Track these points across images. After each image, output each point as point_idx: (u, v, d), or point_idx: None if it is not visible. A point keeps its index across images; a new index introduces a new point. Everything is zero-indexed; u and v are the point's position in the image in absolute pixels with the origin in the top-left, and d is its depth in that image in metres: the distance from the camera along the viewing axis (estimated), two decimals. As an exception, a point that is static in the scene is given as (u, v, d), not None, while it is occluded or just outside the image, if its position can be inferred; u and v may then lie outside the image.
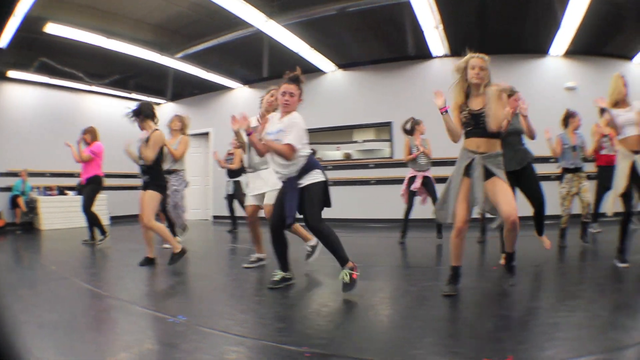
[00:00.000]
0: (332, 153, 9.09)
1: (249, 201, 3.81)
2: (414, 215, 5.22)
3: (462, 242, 2.77)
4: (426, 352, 1.93)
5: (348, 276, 2.80)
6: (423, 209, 5.11)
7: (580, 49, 7.27)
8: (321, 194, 2.94)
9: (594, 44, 7.41)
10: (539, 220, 3.92)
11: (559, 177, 4.71)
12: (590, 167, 5.15)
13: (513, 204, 2.67)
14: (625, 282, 3.11)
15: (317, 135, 8.24)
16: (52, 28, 5.99)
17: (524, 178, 3.70)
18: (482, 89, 2.75)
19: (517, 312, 2.55)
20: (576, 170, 4.50)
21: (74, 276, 3.72)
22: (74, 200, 7.39)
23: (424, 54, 7.45)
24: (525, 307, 2.66)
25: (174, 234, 4.92)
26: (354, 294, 2.83)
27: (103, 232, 5.55)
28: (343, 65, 8.18)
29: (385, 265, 4.21)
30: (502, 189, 2.66)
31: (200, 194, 9.63)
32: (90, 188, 5.47)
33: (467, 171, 2.75)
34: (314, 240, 3.68)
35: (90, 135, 5.59)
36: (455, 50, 7.18)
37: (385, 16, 6.96)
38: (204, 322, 2.41)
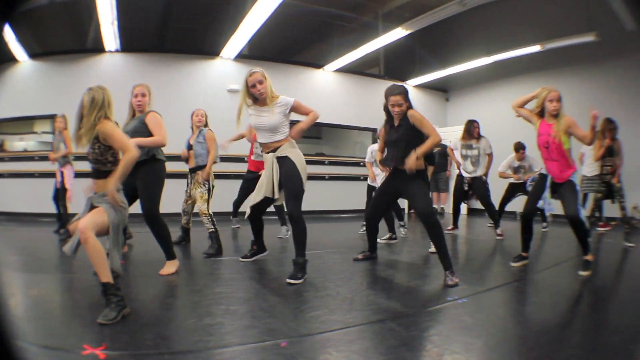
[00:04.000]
0: (18, 144, 8.90)
1: None
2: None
3: None
4: (68, 339, 2.01)
5: None
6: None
7: (261, 54, 8.09)
8: None
9: (284, 51, 8.65)
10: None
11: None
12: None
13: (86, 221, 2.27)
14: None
15: (3, 125, 8.35)
16: None
17: None
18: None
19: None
20: (193, 170, 4.34)
21: None
22: None
23: (100, 48, 7.38)
24: (138, 300, 2.66)
25: None
26: (33, 286, 3.00)
27: None
28: (36, 54, 7.77)
29: (42, 258, 4.17)
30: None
31: None
32: None
33: None
34: None
35: None
36: (128, 46, 7.41)
37: (77, 7, 7.21)
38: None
